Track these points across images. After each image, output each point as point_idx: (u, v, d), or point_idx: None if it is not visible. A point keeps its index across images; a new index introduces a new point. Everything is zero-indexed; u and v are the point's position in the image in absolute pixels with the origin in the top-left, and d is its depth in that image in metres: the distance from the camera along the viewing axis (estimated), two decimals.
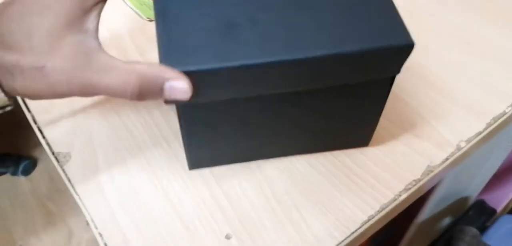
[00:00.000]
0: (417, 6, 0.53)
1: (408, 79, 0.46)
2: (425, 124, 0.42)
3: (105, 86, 0.28)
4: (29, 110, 0.42)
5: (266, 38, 0.29)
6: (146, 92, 0.28)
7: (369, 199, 0.37)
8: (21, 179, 1.39)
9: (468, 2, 0.55)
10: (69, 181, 0.38)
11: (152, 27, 0.51)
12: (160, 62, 0.28)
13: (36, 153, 1.44)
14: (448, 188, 0.60)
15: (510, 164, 0.81)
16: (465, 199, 0.75)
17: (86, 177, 0.38)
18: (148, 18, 0.52)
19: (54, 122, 0.42)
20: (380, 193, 0.37)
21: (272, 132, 0.36)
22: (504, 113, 0.43)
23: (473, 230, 0.71)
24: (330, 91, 0.33)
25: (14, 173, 1.39)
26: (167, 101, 0.29)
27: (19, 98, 0.41)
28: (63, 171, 0.38)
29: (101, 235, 0.35)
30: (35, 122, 0.42)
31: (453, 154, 0.40)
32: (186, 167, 0.39)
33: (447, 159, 0.40)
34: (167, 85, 0.28)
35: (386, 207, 0.37)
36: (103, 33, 0.48)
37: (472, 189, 0.75)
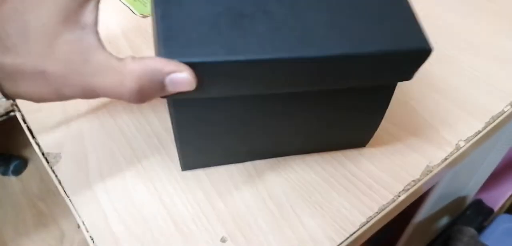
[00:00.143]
0: (417, 6, 0.53)
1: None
2: (423, 124, 0.42)
3: (103, 90, 0.27)
4: (18, 109, 0.41)
5: (278, 32, 0.27)
6: (146, 92, 0.26)
7: (368, 201, 0.36)
8: (12, 179, 1.38)
9: (468, 2, 0.54)
10: (59, 182, 0.36)
11: (145, 23, 0.50)
12: (158, 51, 0.25)
13: (26, 153, 1.42)
14: (445, 188, 0.60)
15: (507, 164, 0.81)
16: (462, 199, 0.75)
17: (77, 178, 0.37)
18: (141, 14, 0.51)
19: (45, 121, 0.40)
20: (378, 194, 0.36)
21: (269, 132, 0.35)
22: (503, 112, 0.43)
23: (471, 231, 0.70)
24: (334, 92, 0.32)
25: (4, 173, 1.37)
26: (164, 96, 0.27)
27: None
28: (53, 172, 0.37)
29: (92, 239, 0.34)
30: (24, 121, 0.40)
31: (452, 153, 0.39)
32: (180, 168, 0.37)
33: (446, 159, 0.39)
34: (168, 79, 0.25)
35: (385, 208, 0.36)
36: None
37: (470, 188, 0.75)
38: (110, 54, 0.26)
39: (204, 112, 0.31)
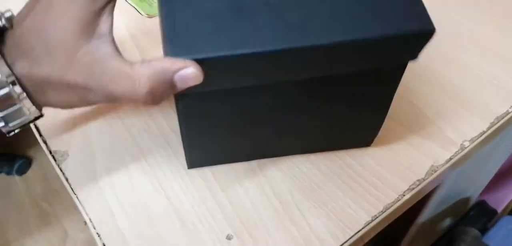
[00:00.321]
0: None
1: (411, 79, 0.46)
2: (428, 123, 0.42)
3: (120, 96, 0.28)
4: None
5: (281, 22, 0.27)
6: (158, 93, 0.27)
7: (373, 199, 0.36)
8: (16, 179, 1.38)
9: (472, 2, 0.54)
10: (67, 180, 0.37)
11: (151, 24, 0.51)
12: (165, 50, 0.26)
13: (31, 153, 1.43)
14: (449, 189, 0.60)
15: (511, 165, 0.81)
16: (466, 200, 0.75)
17: (84, 176, 0.37)
18: (147, 14, 0.52)
19: (52, 120, 0.41)
20: (383, 193, 0.37)
21: (274, 130, 0.35)
22: (507, 113, 0.43)
23: (474, 231, 0.70)
24: (338, 83, 0.32)
25: (8, 173, 1.38)
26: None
27: None
28: (61, 169, 0.37)
29: (99, 235, 0.34)
30: None
31: (457, 153, 0.39)
32: (186, 166, 0.38)
33: (451, 159, 0.39)
34: (176, 77, 0.26)
35: (390, 207, 0.36)
36: None
37: (473, 189, 0.75)
38: (123, 60, 0.28)
39: (211, 108, 0.31)
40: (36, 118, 0.32)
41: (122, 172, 0.38)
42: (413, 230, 0.66)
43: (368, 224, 0.35)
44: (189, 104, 0.31)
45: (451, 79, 0.46)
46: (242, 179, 0.37)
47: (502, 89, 0.45)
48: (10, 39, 0.28)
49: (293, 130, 0.36)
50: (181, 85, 0.27)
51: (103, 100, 0.29)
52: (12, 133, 0.32)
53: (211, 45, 0.26)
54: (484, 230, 0.81)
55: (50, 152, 0.39)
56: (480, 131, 0.41)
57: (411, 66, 0.47)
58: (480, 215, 0.80)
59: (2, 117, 0.30)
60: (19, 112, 0.30)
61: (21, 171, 1.39)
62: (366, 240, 0.36)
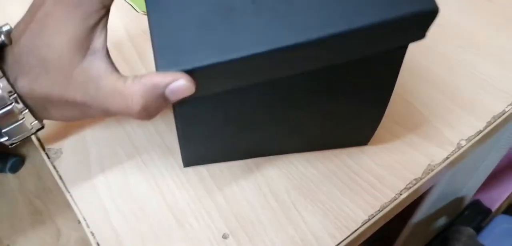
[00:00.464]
0: None
1: (408, 79, 0.46)
2: (425, 123, 0.42)
3: (115, 112, 0.29)
4: None
5: (269, 21, 0.26)
6: (152, 108, 0.28)
7: (370, 198, 0.36)
8: (9, 176, 1.37)
9: (468, 2, 0.55)
10: (60, 178, 0.36)
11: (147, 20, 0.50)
12: (156, 64, 0.26)
13: (24, 150, 1.42)
14: (444, 188, 0.60)
15: (505, 164, 0.81)
16: (461, 199, 0.75)
17: (78, 174, 0.37)
18: (143, 11, 0.51)
19: None
20: (380, 192, 0.37)
21: (271, 128, 0.35)
22: (504, 112, 0.43)
23: (469, 230, 0.71)
24: (336, 76, 0.31)
25: (1, 170, 1.36)
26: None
27: None
28: (54, 167, 0.37)
29: (93, 234, 0.33)
30: None
31: (453, 152, 0.39)
32: (181, 164, 0.37)
33: (447, 158, 0.39)
34: (167, 91, 0.26)
35: (387, 206, 0.36)
36: None
37: (468, 189, 0.75)
38: (117, 76, 0.28)
39: (206, 108, 0.31)
40: (38, 130, 0.33)
41: (117, 170, 0.37)
42: (407, 229, 0.66)
43: (365, 223, 0.35)
44: (185, 104, 0.30)
45: (448, 78, 0.46)
46: (239, 178, 0.37)
47: (499, 89, 0.45)
48: (10, 55, 0.28)
49: (290, 128, 0.36)
50: (174, 98, 0.27)
51: (102, 115, 0.30)
52: (14, 144, 0.33)
53: (200, 54, 0.25)
54: (478, 229, 0.81)
55: (44, 150, 0.38)
56: (477, 130, 0.41)
57: (409, 65, 0.47)
58: (474, 214, 0.80)
59: (5, 132, 0.30)
60: (21, 127, 0.31)
61: (14, 169, 1.37)
62: (362, 239, 0.36)
